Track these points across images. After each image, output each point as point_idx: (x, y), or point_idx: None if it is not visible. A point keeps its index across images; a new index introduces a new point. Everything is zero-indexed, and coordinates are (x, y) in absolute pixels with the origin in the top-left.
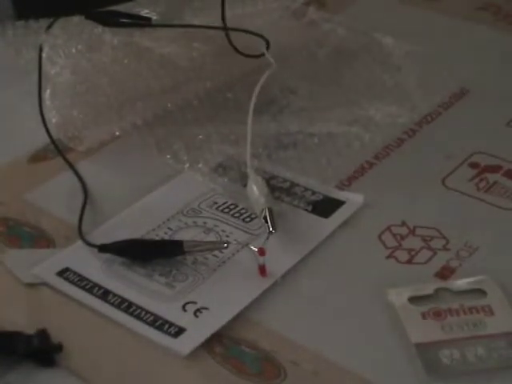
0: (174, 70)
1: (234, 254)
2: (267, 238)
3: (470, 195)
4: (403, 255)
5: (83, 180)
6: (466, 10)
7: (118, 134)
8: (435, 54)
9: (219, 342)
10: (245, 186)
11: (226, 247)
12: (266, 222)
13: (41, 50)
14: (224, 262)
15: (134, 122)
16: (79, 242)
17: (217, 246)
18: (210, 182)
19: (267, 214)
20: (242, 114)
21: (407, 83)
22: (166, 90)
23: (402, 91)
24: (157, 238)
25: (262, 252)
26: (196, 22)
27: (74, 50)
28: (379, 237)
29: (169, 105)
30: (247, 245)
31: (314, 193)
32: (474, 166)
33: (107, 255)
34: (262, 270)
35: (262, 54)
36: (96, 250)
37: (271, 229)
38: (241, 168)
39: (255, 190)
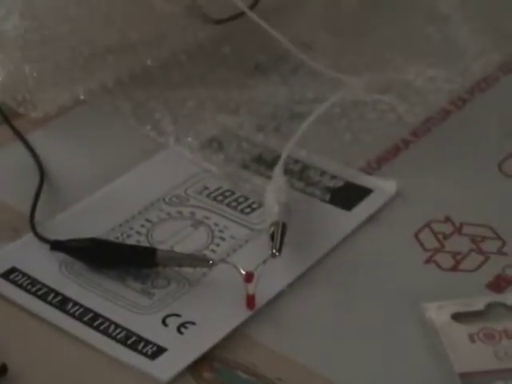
0: (155, 14)
1: (229, 255)
2: (264, 262)
3: None
4: (446, 260)
5: (38, 155)
6: None
7: (82, 97)
8: (497, 6)
9: (209, 366)
10: (244, 167)
11: (211, 265)
12: (272, 241)
13: None
14: (216, 265)
15: (104, 83)
16: (30, 235)
17: (199, 262)
18: (201, 161)
19: (277, 230)
20: (243, 73)
21: (457, 38)
22: (146, 41)
23: (451, 49)
24: (131, 232)
25: (249, 278)
26: None
27: None
28: (416, 236)
29: (149, 61)
30: (237, 268)
31: (333, 177)
32: None
33: None
34: (250, 301)
35: None
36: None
37: (275, 251)
38: (241, 144)
39: (271, 194)
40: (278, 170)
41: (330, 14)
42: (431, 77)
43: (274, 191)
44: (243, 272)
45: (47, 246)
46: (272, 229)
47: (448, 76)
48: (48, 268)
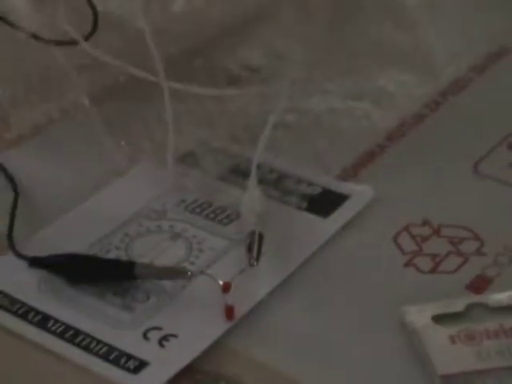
0: (126, 31)
1: (208, 266)
2: (242, 272)
3: (510, 185)
4: (425, 262)
5: (8, 172)
6: None
7: (56, 114)
8: (463, 3)
9: (192, 379)
10: (221, 179)
11: (190, 276)
12: (249, 251)
13: None
14: (195, 276)
15: (78, 100)
16: (8, 255)
17: (178, 274)
18: (178, 175)
19: (253, 240)
20: (216, 87)
21: (427, 42)
22: (118, 56)
23: (421, 53)
24: (110, 247)
25: (226, 288)
26: None
27: None
28: (394, 239)
29: (121, 77)
30: (214, 278)
31: (309, 185)
32: None
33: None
34: (229, 312)
35: None
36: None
37: (252, 260)
38: (217, 157)
39: (246, 204)
40: (252, 180)
41: (302, 25)
42: (403, 82)
43: (250, 201)
44: (220, 282)
45: (25, 264)
46: (248, 239)
47: (420, 80)
48: (27, 286)
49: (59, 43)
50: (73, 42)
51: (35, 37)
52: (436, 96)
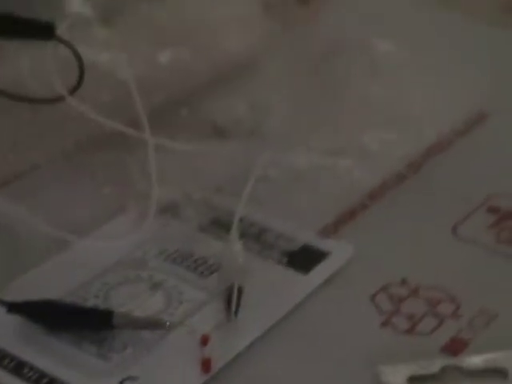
0: (111, 82)
1: (186, 318)
2: (221, 325)
3: (489, 248)
4: (402, 323)
5: None
6: (491, 11)
7: (40, 162)
8: (448, 66)
9: None
10: (202, 230)
11: (168, 327)
12: (228, 305)
13: None
14: (174, 328)
15: (63, 148)
16: None
17: (156, 325)
18: (160, 224)
19: (233, 294)
20: (201, 137)
21: (410, 102)
22: (103, 106)
23: (404, 113)
24: (89, 295)
25: (205, 341)
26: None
27: None
28: (372, 298)
29: (106, 127)
30: (192, 331)
31: (290, 241)
32: (493, 210)
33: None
34: (205, 365)
35: None
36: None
37: (231, 314)
38: (199, 208)
39: (227, 257)
40: (233, 233)
41: (286, 80)
42: (386, 140)
43: (230, 255)
44: (199, 335)
45: (2, 310)
46: (228, 292)
47: (402, 140)
48: (3, 332)
49: (45, 101)
50: (59, 99)
51: (20, 97)
52: (418, 156)
